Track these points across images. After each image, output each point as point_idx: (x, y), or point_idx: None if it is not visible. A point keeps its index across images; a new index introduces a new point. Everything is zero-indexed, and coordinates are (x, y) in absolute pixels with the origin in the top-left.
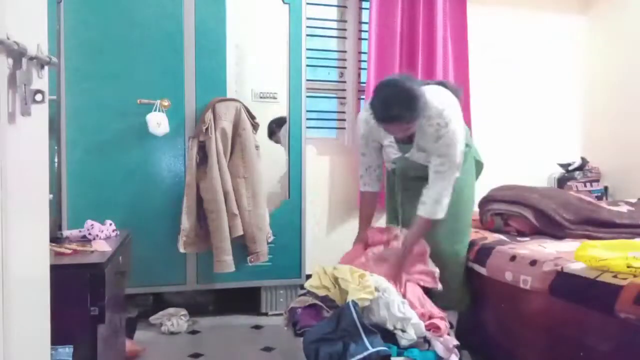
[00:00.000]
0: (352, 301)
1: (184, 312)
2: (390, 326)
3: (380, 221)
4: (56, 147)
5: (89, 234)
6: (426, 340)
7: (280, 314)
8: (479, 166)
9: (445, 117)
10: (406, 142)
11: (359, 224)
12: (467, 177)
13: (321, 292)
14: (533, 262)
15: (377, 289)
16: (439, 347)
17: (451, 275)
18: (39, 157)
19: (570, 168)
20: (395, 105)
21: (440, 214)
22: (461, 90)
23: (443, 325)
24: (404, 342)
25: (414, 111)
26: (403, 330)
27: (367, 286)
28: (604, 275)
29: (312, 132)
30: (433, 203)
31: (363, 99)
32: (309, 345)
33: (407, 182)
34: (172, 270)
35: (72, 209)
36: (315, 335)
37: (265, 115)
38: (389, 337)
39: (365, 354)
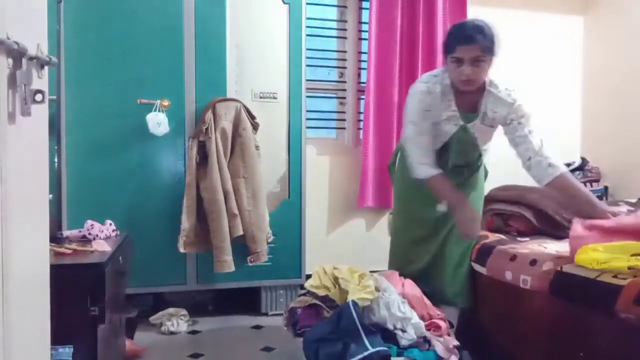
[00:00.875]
0: (352, 301)
1: (184, 312)
2: (390, 326)
3: (381, 222)
4: (56, 147)
5: (89, 234)
6: (426, 340)
7: (280, 314)
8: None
9: (509, 87)
10: (471, 110)
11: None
12: (481, 176)
13: (321, 292)
14: (533, 262)
15: (377, 289)
16: (439, 347)
17: (466, 271)
18: (39, 157)
19: (570, 168)
20: (479, 28)
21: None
22: None
23: (443, 325)
24: (404, 342)
25: (494, 41)
26: (403, 330)
27: (367, 286)
28: (604, 275)
29: (312, 132)
30: (553, 165)
31: (363, 99)
32: (309, 345)
33: (456, 169)
34: (172, 270)
35: (72, 209)
36: (315, 335)
37: (265, 115)
38: (389, 337)
39: (366, 354)
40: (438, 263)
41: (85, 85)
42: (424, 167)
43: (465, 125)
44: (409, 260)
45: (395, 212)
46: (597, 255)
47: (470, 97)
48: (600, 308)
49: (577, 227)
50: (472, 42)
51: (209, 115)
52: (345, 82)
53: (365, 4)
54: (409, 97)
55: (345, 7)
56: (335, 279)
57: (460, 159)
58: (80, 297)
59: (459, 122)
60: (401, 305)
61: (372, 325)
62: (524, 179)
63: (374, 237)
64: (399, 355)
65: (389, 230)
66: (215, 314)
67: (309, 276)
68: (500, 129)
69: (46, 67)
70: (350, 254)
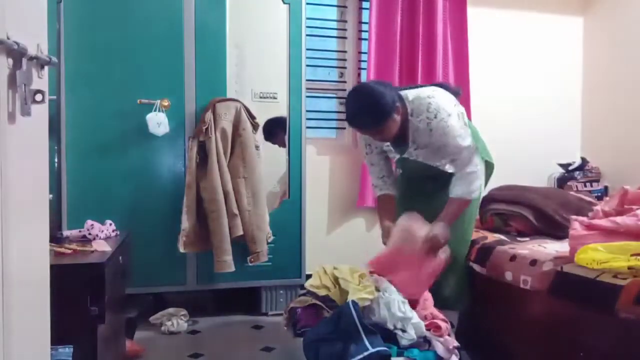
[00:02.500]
0: (352, 301)
1: (184, 312)
2: (390, 326)
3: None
4: (56, 147)
5: (89, 234)
6: (426, 340)
7: (280, 314)
8: (489, 167)
9: (432, 110)
10: (400, 143)
11: (382, 223)
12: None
13: (321, 292)
14: (533, 262)
15: (377, 289)
16: (439, 348)
17: (460, 275)
18: (39, 157)
19: (570, 168)
20: (358, 114)
21: (476, 193)
22: (460, 90)
23: (444, 325)
24: (404, 342)
25: (377, 115)
26: (403, 330)
27: (367, 286)
28: (604, 275)
29: (312, 132)
30: (466, 178)
31: None
32: (309, 345)
33: (421, 183)
34: (172, 270)
35: (72, 209)
36: (315, 336)
37: (265, 115)
38: (389, 336)
39: (366, 354)
40: None
41: (85, 85)
42: (375, 189)
43: (401, 156)
44: None
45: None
46: (597, 255)
47: (397, 131)
48: (600, 308)
49: (577, 227)
50: (362, 129)
51: (209, 115)
52: (345, 82)
53: (365, 4)
54: None
55: (345, 7)
56: (336, 279)
57: (421, 174)
58: (80, 297)
59: (395, 155)
60: (401, 305)
61: (372, 325)
62: (524, 179)
63: (374, 237)
64: (399, 355)
65: None
66: (215, 314)
67: (309, 276)
68: None
69: (46, 67)
70: (350, 254)
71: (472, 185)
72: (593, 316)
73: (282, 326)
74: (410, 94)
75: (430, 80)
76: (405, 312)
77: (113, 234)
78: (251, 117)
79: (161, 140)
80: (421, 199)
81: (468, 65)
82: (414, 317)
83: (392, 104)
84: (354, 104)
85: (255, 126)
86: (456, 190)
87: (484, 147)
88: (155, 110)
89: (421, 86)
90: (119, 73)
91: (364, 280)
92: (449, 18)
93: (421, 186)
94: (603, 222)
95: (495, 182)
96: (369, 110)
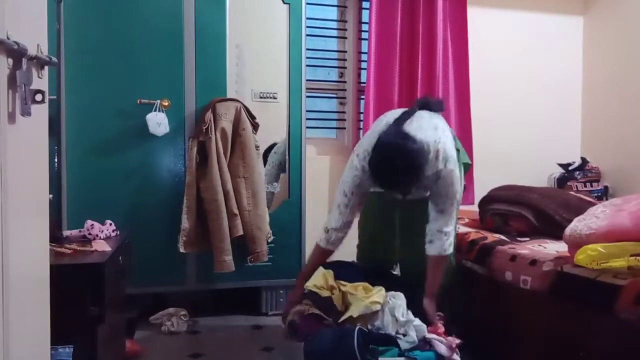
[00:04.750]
0: (359, 328)
1: (184, 312)
2: (392, 331)
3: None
4: (56, 147)
5: (89, 234)
6: (427, 342)
7: (281, 314)
8: (465, 167)
9: (441, 159)
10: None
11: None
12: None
13: (324, 293)
14: (533, 262)
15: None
16: (440, 347)
17: (449, 280)
18: (39, 157)
19: (570, 168)
20: (402, 174)
21: (450, 248)
22: (444, 105)
23: (442, 327)
24: (405, 346)
25: (420, 175)
26: (405, 334)
27: (373, 294)
28: (604, 275)
29: (312, 132)
30: (441, 238)
31: (363, 99)
32: (310, 356)
33: (403, 209)
34: (172, 270)
35: (72, 209)
36: (316, 349)
37: (265, 115)
38: (391, 339)
39: None
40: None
41: (85, 85)
42: (325, 235)
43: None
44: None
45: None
46: (597, 255)
47: None
48: (600, 308)
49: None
50: (400, 188)
51: (209, 115)
52: (345, 82)
53: (365, 4)
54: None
55: (345, 7)
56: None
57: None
58: (80, 297)
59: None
60: (405, 311)
61: (375, 330)
62: (524, 179)
63: None
64: (400, 356)
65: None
66: (215, 314)
67: None
68: None
69: (46, 67)
70: (350, 254)
71: (446, 244)
72: (593, 316)
73: (282, 327)
74: (416, 136)
75: (430, 80)
76: (408, 316)
77: (113, 234)
78: (251, 117)
79: (161, 140)
80: (412, 223)
81: (468, 65)
82: (416, 320)
83: (426, 161)
84: (397, 163)
85: (255, 126)
86: (432, 249)
87: (464, 151)
88: (155, 110)
89: (413, 114)
90: (119, 73)
91: (370, 293)
92: (449, 18)
93: (410, 210)
94: (601, 224)
95: (495, 182)
96: (416, 174)
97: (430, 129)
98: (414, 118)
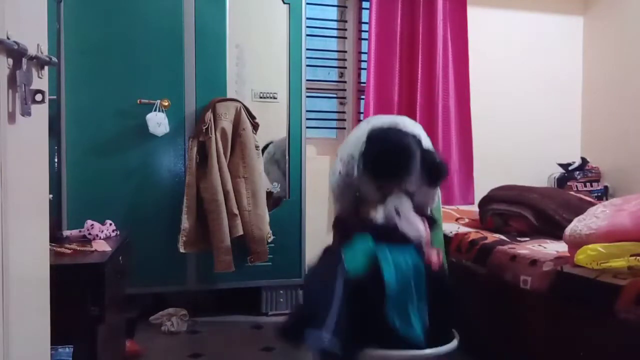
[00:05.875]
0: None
1: (184, 312)
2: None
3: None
4: (56, 147)
5: (89, 234)
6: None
7: (280, 314)
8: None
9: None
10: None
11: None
12: None
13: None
14: (533, 262)
15: None
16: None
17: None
18: (39, 157)
19: (570, 168)
20: (401, 155)
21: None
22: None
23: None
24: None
25: (414, 162)
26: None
27: None
28: (604, 275)
29: (312, 132)
30: None
31: (363, 99)
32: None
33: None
34: (172, 270)
35: (72, 209)
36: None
37: (265, 115)
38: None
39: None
40: None
41: (85, 85)
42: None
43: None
44: None
45: None
46: (597, 255)
47: None
48: (600, 308)
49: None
50: (396, 180)
51: (209, 115)
52: (345, 82)
53: (365, 4)
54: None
55: (345, 7)
56: None
57: None
58: (80, 297)
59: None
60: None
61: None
62: (524, 179)
63: None
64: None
65: None
66: (215, 314)
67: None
68: None
69: (46, 67)
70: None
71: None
72: (593, 316)
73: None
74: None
75: (430, 80)
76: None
77: (113, 234)
78: (251, 117)
79: (161, 140)
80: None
81: (468, 65)
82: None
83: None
84: (394, 152)
85: (255, 126)
86: None
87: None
88: (155, 110)
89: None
90: (119, 73)
91: None
92: (449, 18)
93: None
94: (601, 225)
95: (495, 182)
96: (410, 164)
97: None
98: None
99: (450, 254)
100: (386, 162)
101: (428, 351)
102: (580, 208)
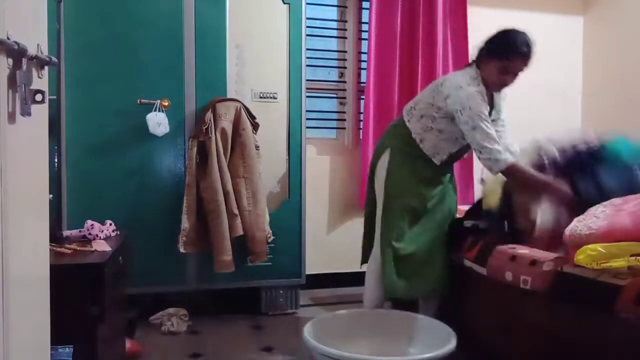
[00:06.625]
0: None
1: (184, 312)
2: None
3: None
4: (56, 147)
5: (89, 234)
6: None
7: (280, 314)
8: None
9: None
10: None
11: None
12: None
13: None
14: (533, 262)
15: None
16: None
17: (443, 257)
18: (39, 157)
19: None
20: (532, 45)
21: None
22: None
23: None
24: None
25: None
26: None
27: None
28: (604, 275)
29: (312, 132)
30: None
31: (363, 99)
32: None
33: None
34: (172, 270)
35: (72, 209)
36: None
37: (265, 115)
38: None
39: None
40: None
41: (85, 85)
42: (503, 155)
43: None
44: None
45: (386, 208)
46: (597, 255)
47: (489, 95)
48: (600, 308)
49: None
50: (529, 59)
51: (209, 115)
52: (345, 82)
53: (365, 4)
54: (468, 99)
55: (345, 7)
56: None
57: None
58: (80, 297)
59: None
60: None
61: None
62: None
63: None
64: None
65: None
66: (215, 314)
67: (309, 276)
68: None
69: (46, 67)
70: (350, 254)
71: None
72: (593, 316)
73: (283, 325)
74: None
75: (430, 80)
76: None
77: (113, 234)
78: (251, 117)
79: (161, 140)
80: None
81: None
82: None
83: None
84: (531, 40)
85: (255, 126)
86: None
87: None
88: (155, 110)
89: None
90: (119, 73)
91: None
92: (449, 18)
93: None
94: (600, 225)
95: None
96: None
97: None
98: None
99: (451, 253)
100: (526, 41)
101: (427, 355)
102: None
